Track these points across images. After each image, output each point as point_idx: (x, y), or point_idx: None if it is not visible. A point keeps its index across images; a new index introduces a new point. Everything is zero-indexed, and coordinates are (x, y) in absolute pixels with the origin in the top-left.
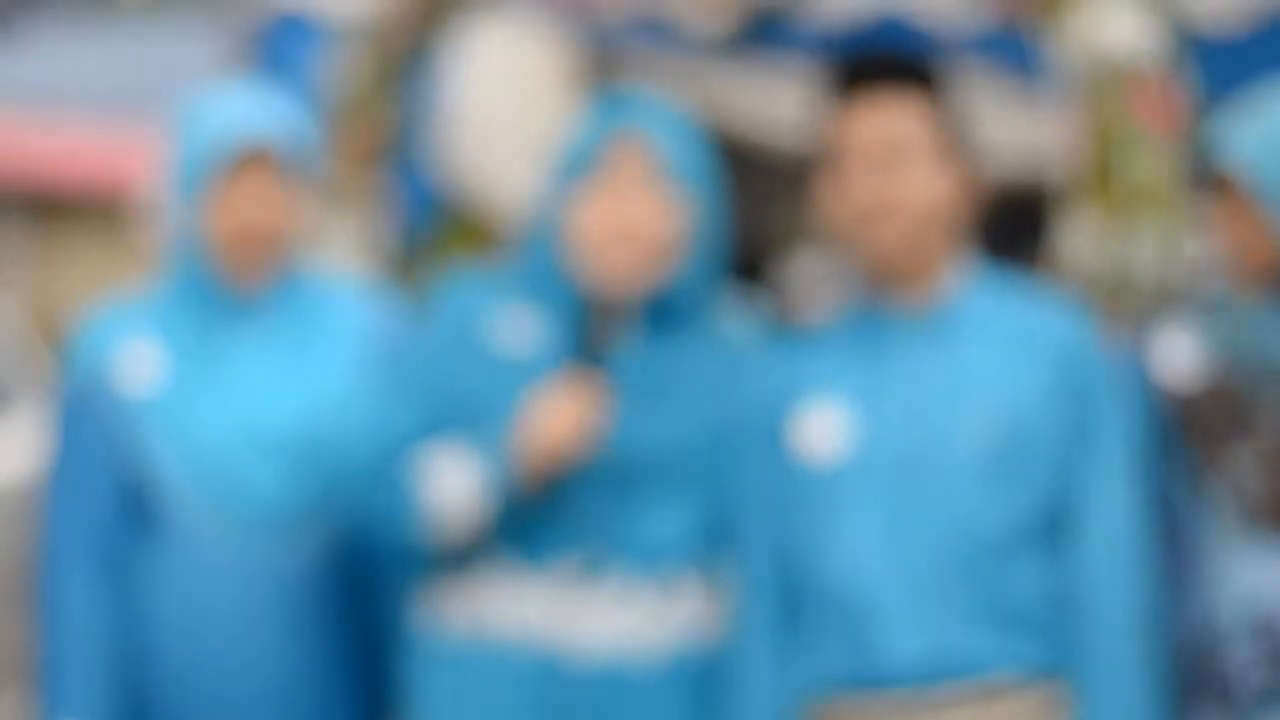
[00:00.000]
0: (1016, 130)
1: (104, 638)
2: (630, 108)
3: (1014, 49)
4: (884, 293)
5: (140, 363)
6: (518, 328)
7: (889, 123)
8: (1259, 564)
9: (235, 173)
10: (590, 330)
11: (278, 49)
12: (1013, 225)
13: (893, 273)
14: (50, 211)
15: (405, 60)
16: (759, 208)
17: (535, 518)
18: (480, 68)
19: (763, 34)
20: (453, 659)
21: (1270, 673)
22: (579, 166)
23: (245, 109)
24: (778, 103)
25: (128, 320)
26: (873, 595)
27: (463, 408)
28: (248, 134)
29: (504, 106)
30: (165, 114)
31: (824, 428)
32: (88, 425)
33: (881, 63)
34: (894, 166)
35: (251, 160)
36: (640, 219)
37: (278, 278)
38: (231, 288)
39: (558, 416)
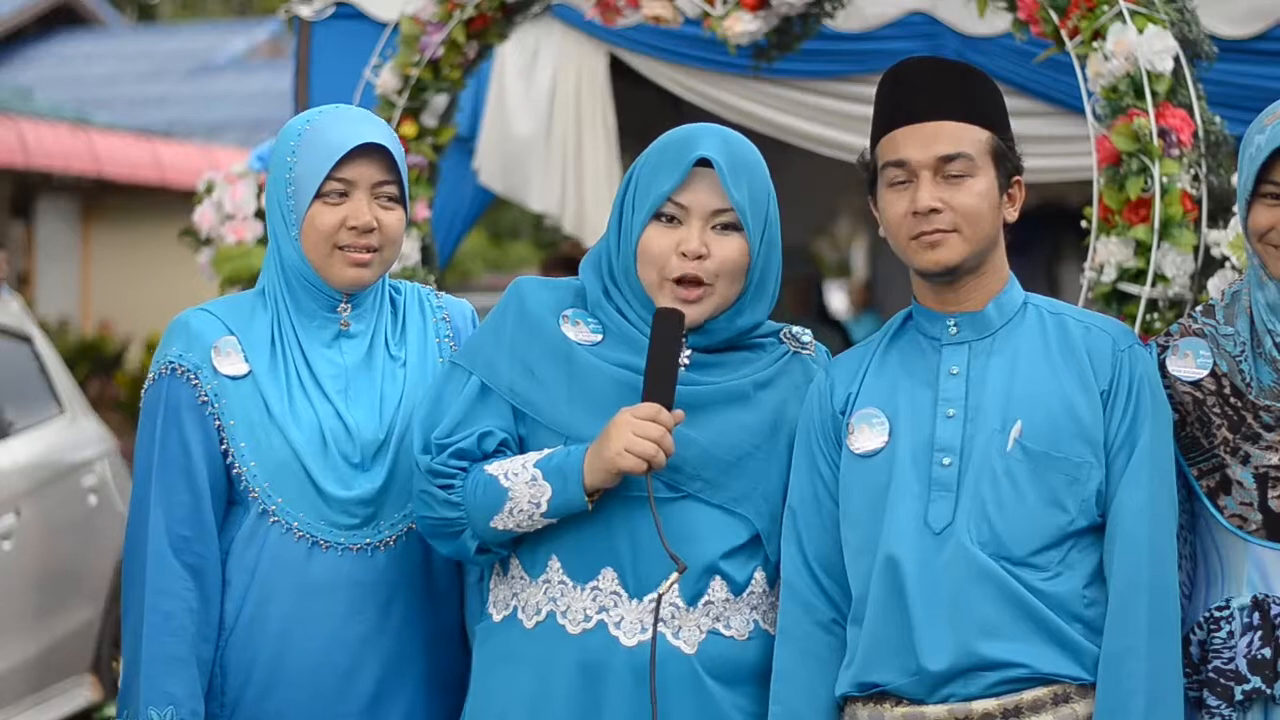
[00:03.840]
0: (1045, 141)
1: (186, 626)
2: (706, 150)
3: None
4: (939, 301)
5: (231, 358)
6: (582, 333)
7: (946, 138)
8: (1260, 568)
9: (350, 176)
10: (663, 348)
11: (325, 43)
12: (1039, 236)
13: (950, 283)
14: (99, 200)
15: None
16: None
17: (580, 530)
18: (514, 76)
19: (796, 39)
20: (506, 644)
21: (1262, 671)
22: (654, 198)
23: (361, 119)
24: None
25: (223, 316)
26: (912, 601)
27: (526, 382)
28: (366, 138)
29: (533, 113)
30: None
31: (876, 434)
32: (178, 416)
33: (936, 78)
34: (953, 180)
35: (364, 166)
36: (705, 256)
37: (375, 281)
38: (329, 291)
39: (638, 438)
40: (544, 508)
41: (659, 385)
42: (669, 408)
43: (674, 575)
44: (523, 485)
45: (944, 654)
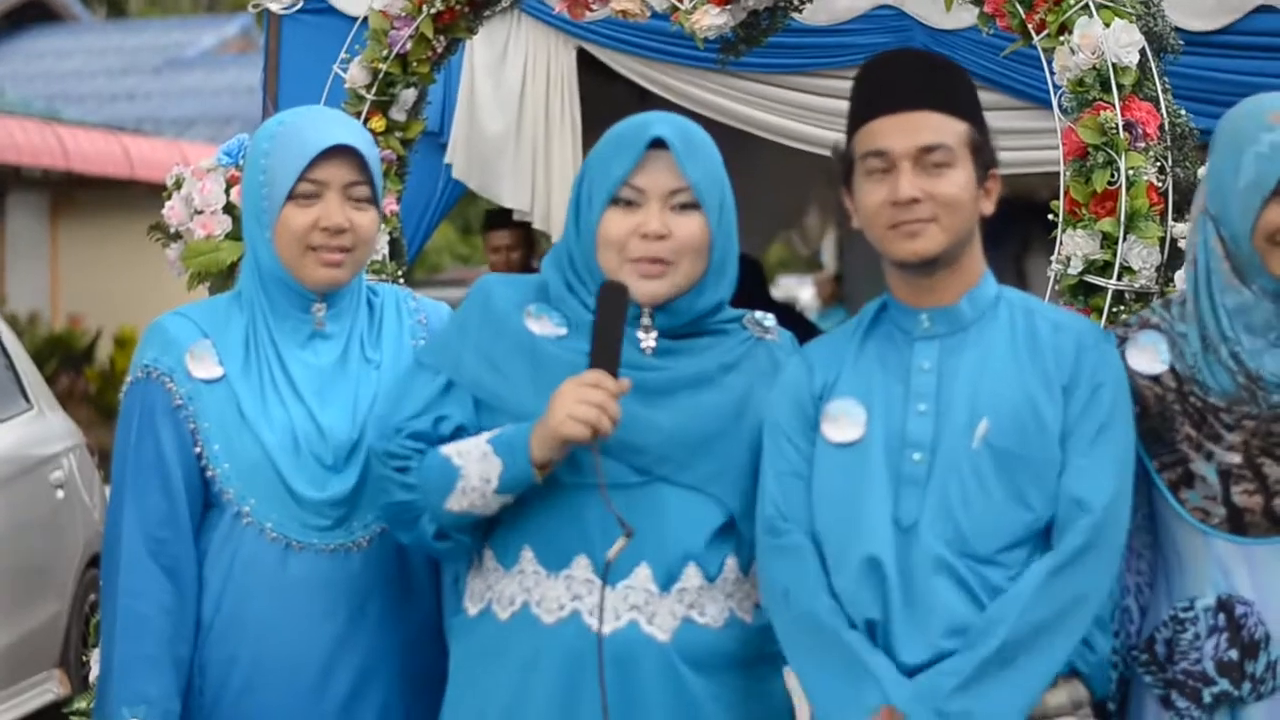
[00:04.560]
0: (1012, 135)
1: (160, 627)
2: (659, 130)
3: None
4: (913, 294)
5: (205, 362)
6: (546, 327)
7: (927, 128)
8: (1221, 565)
9: (321, 176)
10: (607, 319)
11: (296, 37)
12: (1008, 229)
13: (927, 274)
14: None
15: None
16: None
17: (551, 518)
18: (483, 70)
19: (764, 33)
20: (482, 638)
21: (1230, 673)
22: (610, 182)
23: (333, 120)
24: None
25: (198, 320)
26: (884, 597)
27: (492, 376)
28: (337, 139)
29: (503, 109)
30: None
31: (852, 426)
32: (153, 420)
33: (916, 69)
34: (933, 170)
35: (336, 166)
36: (665, 235)
37: (349, 281)
38: (303, 291)
39: (581, 404)
40: (494, 483)
41: (603, 354)
42: (614, 376)
43: (621, 540)
44: (474, 462)
45: (915, 650)
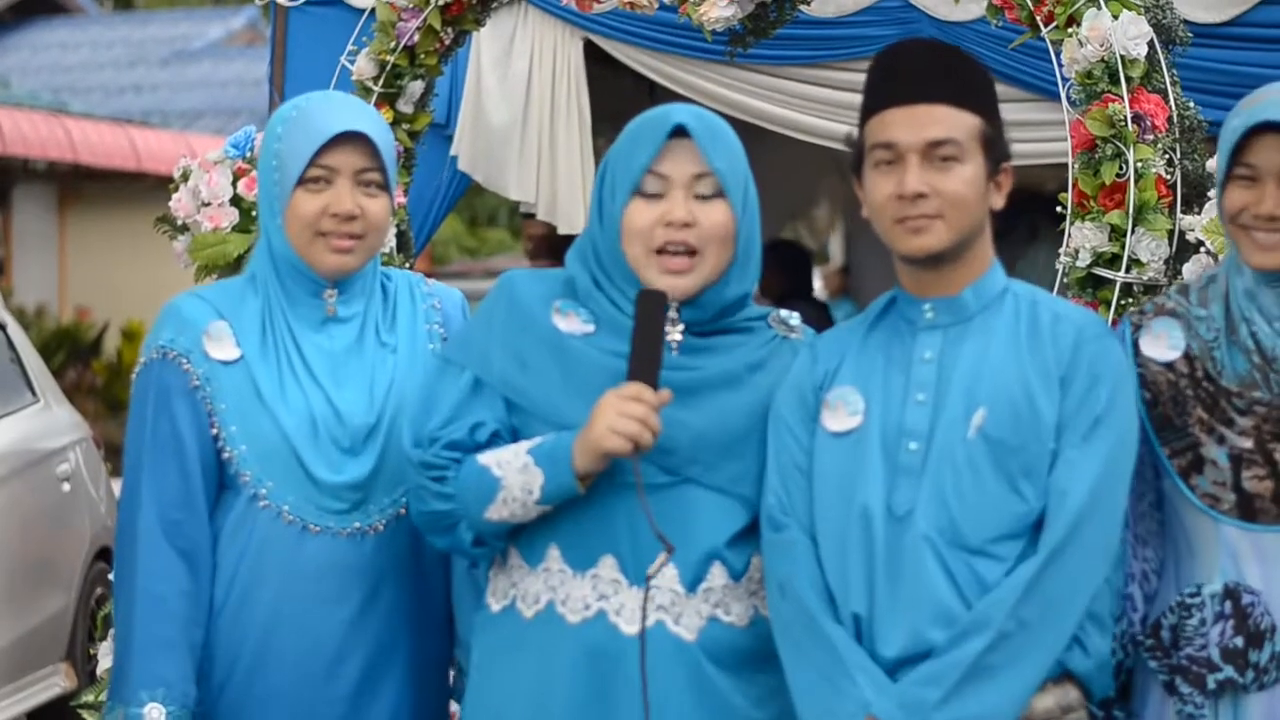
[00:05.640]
0: (1020, 127)
1: (177, 610)
2: (681, 118)
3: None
4: (919, 285)
5: (222, 343)
6: (574, 324)
7: (937, 122)
8: (1231, 554)
9: (332, 163)
10: (646, 329)
11: (302, 28)
12: (1015, 221)
13: (933, 268)
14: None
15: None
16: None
17: (579, 518)
18: (490, 62)
19: (772, 25)
20: (505, 635)
21: (1235, 660)
22: (633, 172)
23: (347, 106)
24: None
25: (214, 301)
26: (871, 585)
27: (521, 374)
28: (348, 125)
29: (509, 101)
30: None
31: (851, 415)
32: (169, 400)
33: (930, 60)
34: (940, 165)
35: (347, 153)
36: (691, 223)
37: (360, 268)
38: (315, 277)
39: (622, 417)
40: (536, 494)
41: (643, 366)
42: (654, 388)
43: (661, 556)
44: (515, 473)
45: (896, 640)
